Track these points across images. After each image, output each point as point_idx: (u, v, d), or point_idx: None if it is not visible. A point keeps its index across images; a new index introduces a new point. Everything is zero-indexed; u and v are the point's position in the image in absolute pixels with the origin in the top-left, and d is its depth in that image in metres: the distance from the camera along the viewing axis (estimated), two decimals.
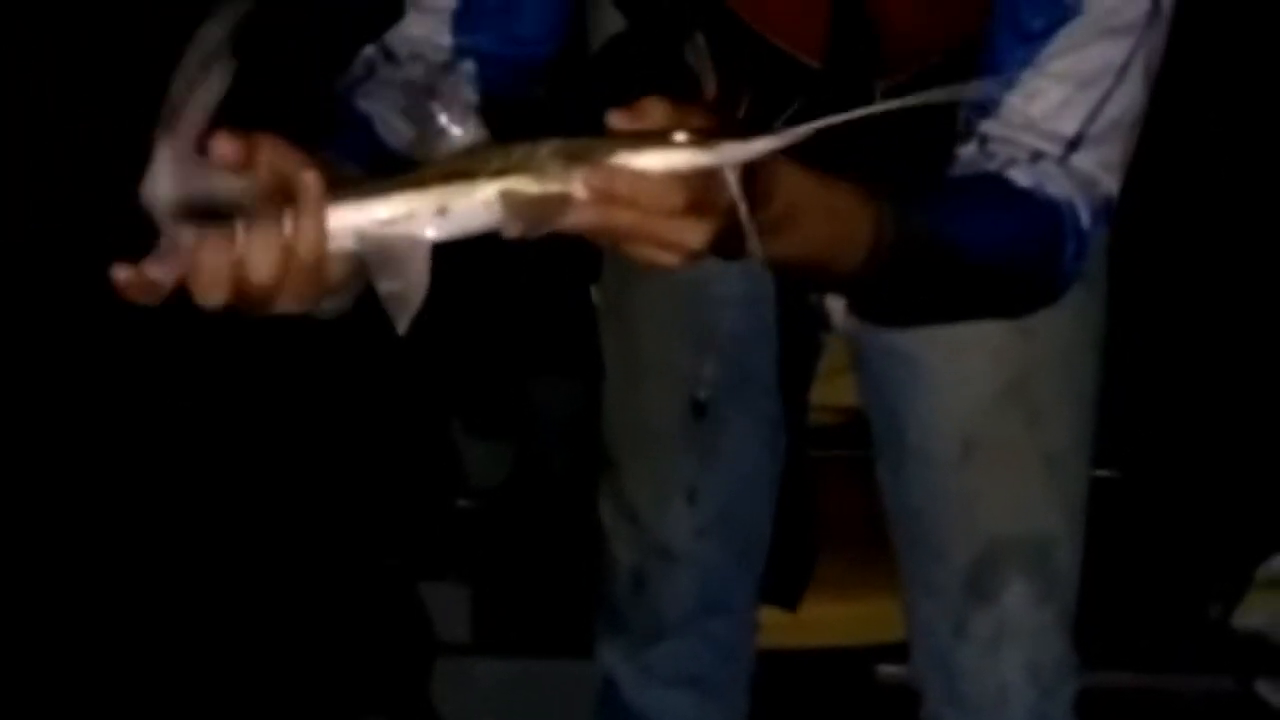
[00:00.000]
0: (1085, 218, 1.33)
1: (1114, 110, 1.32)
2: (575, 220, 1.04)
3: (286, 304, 1.08)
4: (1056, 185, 1.32)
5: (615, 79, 1.58)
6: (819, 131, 1.04)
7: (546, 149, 1.04)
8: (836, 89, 1.39)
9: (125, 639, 2.42)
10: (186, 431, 2.65)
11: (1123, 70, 1.32)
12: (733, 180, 1.05)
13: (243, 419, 2.70)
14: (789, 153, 1.07)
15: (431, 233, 1.06)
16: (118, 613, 2.44)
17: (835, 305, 1.46)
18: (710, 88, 1.09)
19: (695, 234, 1.05)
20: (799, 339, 1.69)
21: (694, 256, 1.07)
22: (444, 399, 2.82)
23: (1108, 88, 1.32)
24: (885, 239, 1.21)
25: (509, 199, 1.04)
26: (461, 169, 1.06)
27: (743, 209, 1.05)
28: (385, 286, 1.07)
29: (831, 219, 1.19)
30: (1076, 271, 1.36)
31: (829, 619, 2.12)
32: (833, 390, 1.75)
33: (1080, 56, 1.31)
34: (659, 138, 1.04)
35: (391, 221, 1.07)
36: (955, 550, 1.69)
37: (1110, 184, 1.35)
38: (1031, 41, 1.31)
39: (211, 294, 1.05)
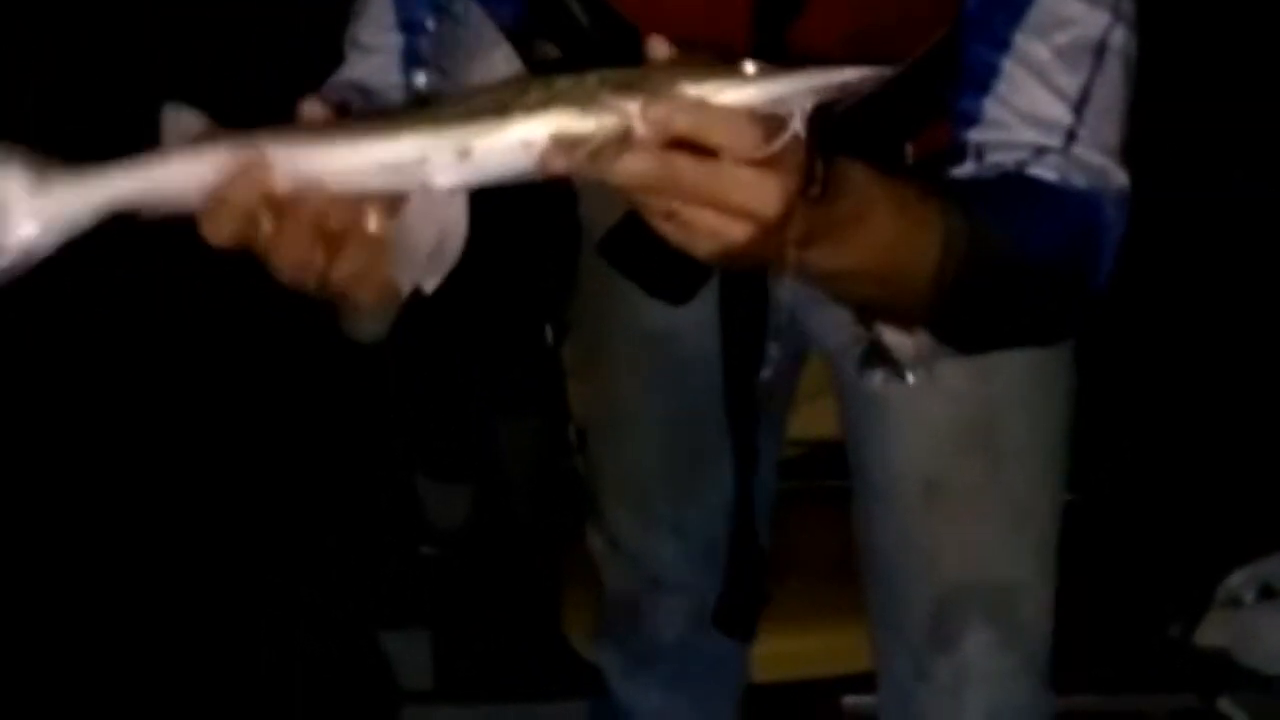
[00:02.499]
0: (1109, 210, 1.29)
1: (1103, 93, 1.28)
2: (630, 169, 0.92)
3: (344, 277, 0.98)
4: (1077, 178, 1.27)
5: None
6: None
7: (594, 78, 0.91)
8: None
9: (84, 671, 2.41)
10: (148, 470, 2.64)
11: (1100, 51, 1.28)
12: (799, 124, 0.92)
13: (207, 459, 2.70)
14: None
15: (446, 179, 0.92)
16: (71, 645, 2.43)
17: (900, 341, 1.32)
18: None
19: (770, 194, 0.94)
20: (750, 372, 1.64)
21: (764, 229, 0.95)
22: (403, 444, 2.80)
23: (1090, 70, 1.27)
24: (955, 239, 1.16)
25: (563, 141, 0.90)
26: (489, 104, 0.92)
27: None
28: (406, 254, 0.93)
29: (901, 215, 1.12)
30: (1110, 267, 1.29)
31: (796, 652, 2.12)
32: (803, 421, 1.74)
33: (1052, 37, 1.26)
34: (728, 67, 0.92)
35: (397, 166, 0.93)
36: (917, 594, 1.67)
37: (1120, 174, 1.29)
38: (1000, 41, 1.27)
39: (219, 235, 0.97)
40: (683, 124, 0.92)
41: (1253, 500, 2.66)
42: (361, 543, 2.72)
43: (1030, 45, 1.27)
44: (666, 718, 1.89)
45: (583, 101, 0.90)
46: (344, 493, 2.75)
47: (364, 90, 1.32)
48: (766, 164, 0.94)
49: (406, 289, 0.96)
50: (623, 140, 0.90)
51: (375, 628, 2.59)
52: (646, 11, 1.37)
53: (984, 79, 1.28)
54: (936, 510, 1.64)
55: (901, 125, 1.46)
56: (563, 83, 0.92)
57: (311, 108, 1.00)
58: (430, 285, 0.95)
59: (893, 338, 1.32)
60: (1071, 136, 1.27)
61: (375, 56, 1.34)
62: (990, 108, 1.28)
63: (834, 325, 1.57)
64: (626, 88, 0.90)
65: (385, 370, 2.77)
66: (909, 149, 1.49)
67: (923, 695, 1.70)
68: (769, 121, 0.93)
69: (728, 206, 0.95)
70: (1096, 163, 1.28)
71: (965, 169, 1.29)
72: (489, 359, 2.75)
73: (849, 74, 0.95)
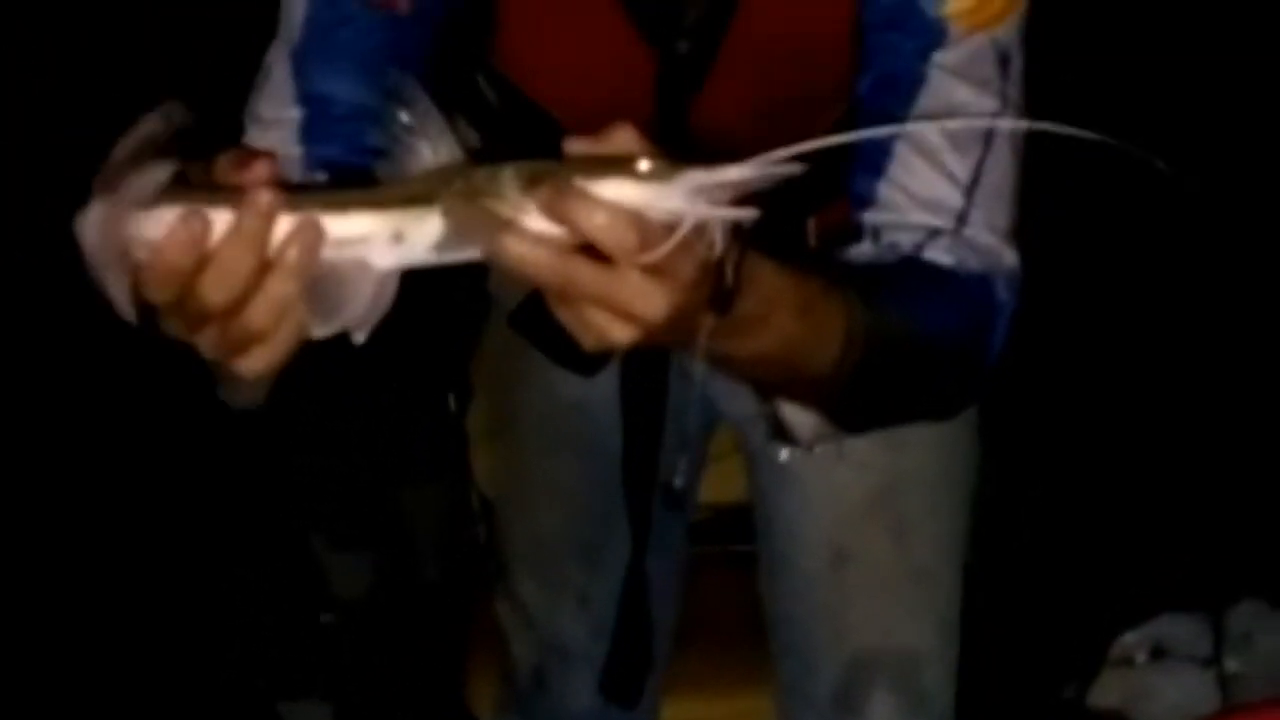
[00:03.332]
0: (1001, 292, 1.32)
1: (993, 177, 1.31)
2: (531, 260, 0.95)
3: (263, 317, 0.99)
4: (970, 260, 1.30)
5: None
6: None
7: (510, 170, 0.96)
8: None
9: None
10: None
11: (989, 135, 1.30)
12: (716, 236, 0.96)
13: (99, 532, 2.66)
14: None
15: (384, 261, 0.97)
16: None
17: (797, 418, 1.34)
18: None
19: (656, 303, 0.97)
20: (650, 445, 1.65)
21: (648, 331, 0.98)
22: (302, 510, 2.78)
23: (979, 155, 1.30)
24: (856, 333, 1.18)
25: (456, 217, 0.95)
26: (420, 191, 0.97)
27: (728, 266, 0.97)
28: (324, 315, 0.97)
29: (805, 314, 1.14)
30: (1001, 346, 1.33)
31: (701, 717, 2.12)
32: (709, 484, 1.75)
33: (942, 122, 1.29)
34: (622, 165, 0.95)
35: (345, 242, 0.97)
36: (823, 661, 1.69)
37: (1012, 256, 1.33)
38: (892, 123, 1.30)
39: (165, 286, 0.98)
40: (578, 217, 0.95)
41: (1144, 562, 2.70)
42: (260, 610, 2.68)
43: (926, 127, 1.30)
44: None
45: (493, 194, 0.95)
46: (242, 558, 2.72)
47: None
48: (658, 270, 0.96)
49: (318, 335, 1.00)
50: (511, 226, 0.95)
51: (274, 698, 2.57)
52: (552, 88, 1.41)
53: (877, 162, 1.31)
54: (842, 578, 1.66)
55: (803, 202, 1.49)
56: (481, 174, 0.96)
57: (259, 167, 1.00)
58: (359, 337, 0.99)
59: (792, 415, 1.34)
60: (962, 219, 1.31)
61: (273, 131, 1.35)
62: (884, 190, 1.31)
63: (741, 395, 1.57)
64: (535, 181, 0.95)
65: (282, 435, 2.75)
66: (811, 225, 1.52)
67: None
68: (657, 227, 0.96)
69: (614, 308, 0.98)
70: (986, 244, 1.31)
71: (863, 249, 1.32)
72: (391, 425, 2.75)
73: (743, 171, 0.97)
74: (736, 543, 1.81)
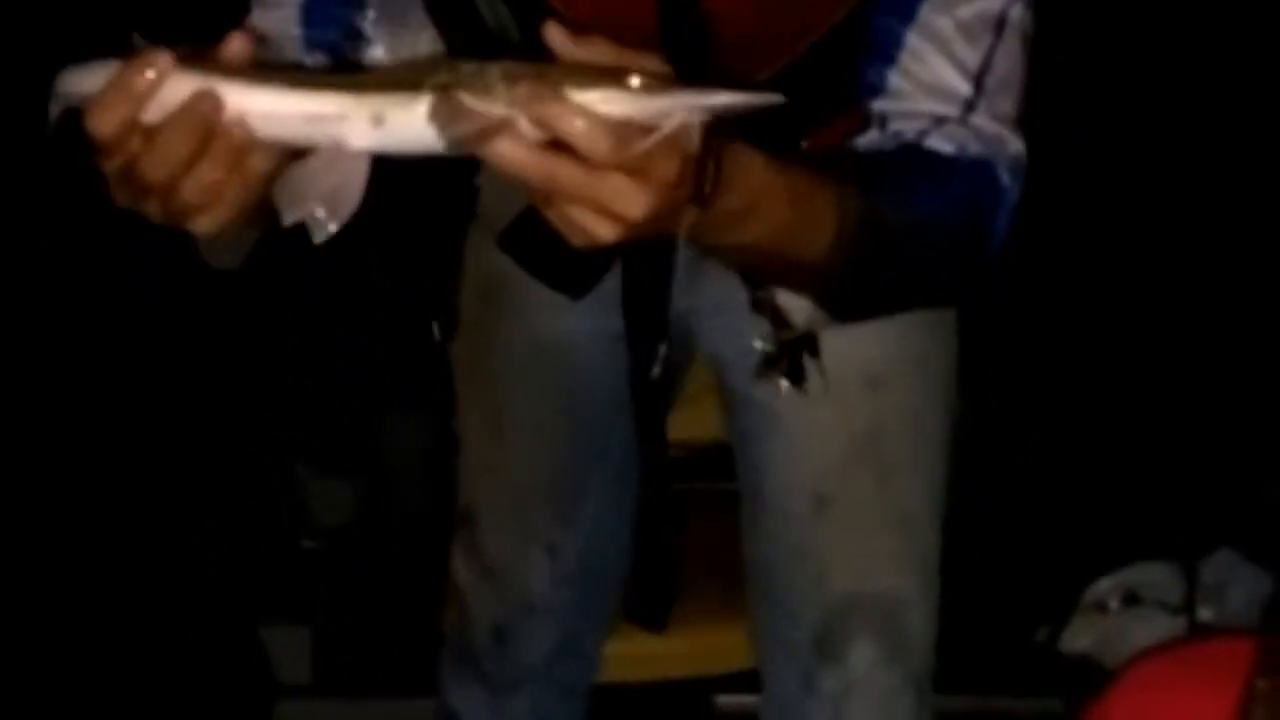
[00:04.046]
0: (1004, 176, 1.33)
1: (1001, 67, 1.32)
2: (514, 158, 0.99)
3: (197, 193, 1.02)
4: (973, 146, 1.31)
5: None
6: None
7: (498, 69, 0.98)
8: None
9: None
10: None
11: (1000, 25, 1.32)
12: (695, 136, 0.99)
13: (85, 451, 2.67)
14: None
15: (361, 141, 1.00)
16: None
17: (795, 304, 1.37)
18: None
19: (636, 202, 1.00)
20: (650, 370, 1.62)
21: (631, 229, 1.01)
22: (287, 436, 2.79)
23: (990, 43, 1.32)
24: (847, 221, 1.19)
25: (442, 107, 0.97)
26: (405, 78, 1.00)
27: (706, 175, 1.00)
28: (303, 192, 1.00)
29: (795, 204, 1.16)
30: (1004, 232, 1.34)
31: (672, 652, 2.13)
32: (682, 423, 1.74)
33: (955, 10, 1.31)
34: (614, 78, 0.98)
35: (319, 118, 1.00)
36: (805, 606, 1.68)
37: (1016, 142, 1.34)
38: (905, 14, 1.31)
39: (105, 122, 1.02)
40: (565, 127, 0.98)
41: (1120, 508, 2.72)
42: (241, 535, 2.70)
43: (934, 18, 1.31)
44: None
45: (478, 88, 0.98)
46: (224, 483, 2.73)
47: (265, 40, 1.32)
48: (637, 170, 0.99)
49: (287, 222, 1.03)
50: (502, 127, 0.97)
51: (254, 622, 2.58)
52: None
53: (889, 50, 1.32)
54: (825, 522, 1.65)
55: (796, 124, 1.49)
56: (467, 68, 0.99)
57: (235, 41, 1.04)
58: (319, 235, 1.02)
59: (786, 301, 1.37)
60: (970, 107, 1.32)
61: (275, 11, 1.37)
62: (893, 78, 1.32)
63: (730, 333, 1.59)
64: (519, 81, 0.97)
65: (270, 360, 2.75)
66: (805, 147, 1.51)
67: (809, 708, 1.70)
68: (636, 130, 0.98)
69: (596, 206, 1.00)
70: (992, 131, 1.33)
71: (869, 137, 1.33)
72: (376, 353, 2.75)
73: (730, 98, 1.00)
74: (709, 480, 1.81)
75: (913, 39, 1.31)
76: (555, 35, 1.03)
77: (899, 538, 1.67)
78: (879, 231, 1.23)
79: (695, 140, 1.01)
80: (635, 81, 0.98)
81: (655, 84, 0.98)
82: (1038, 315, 2.82)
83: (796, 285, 1.34)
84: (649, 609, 1.70)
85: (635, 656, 2.01)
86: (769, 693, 1.76)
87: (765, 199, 1.14)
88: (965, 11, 1.31)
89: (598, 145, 0.98)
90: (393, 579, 2.64)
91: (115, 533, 2.61)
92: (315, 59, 1.33)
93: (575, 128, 0.97)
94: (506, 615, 1.79)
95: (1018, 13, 1.33)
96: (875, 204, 1.23)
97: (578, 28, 1.33)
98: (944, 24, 1.31)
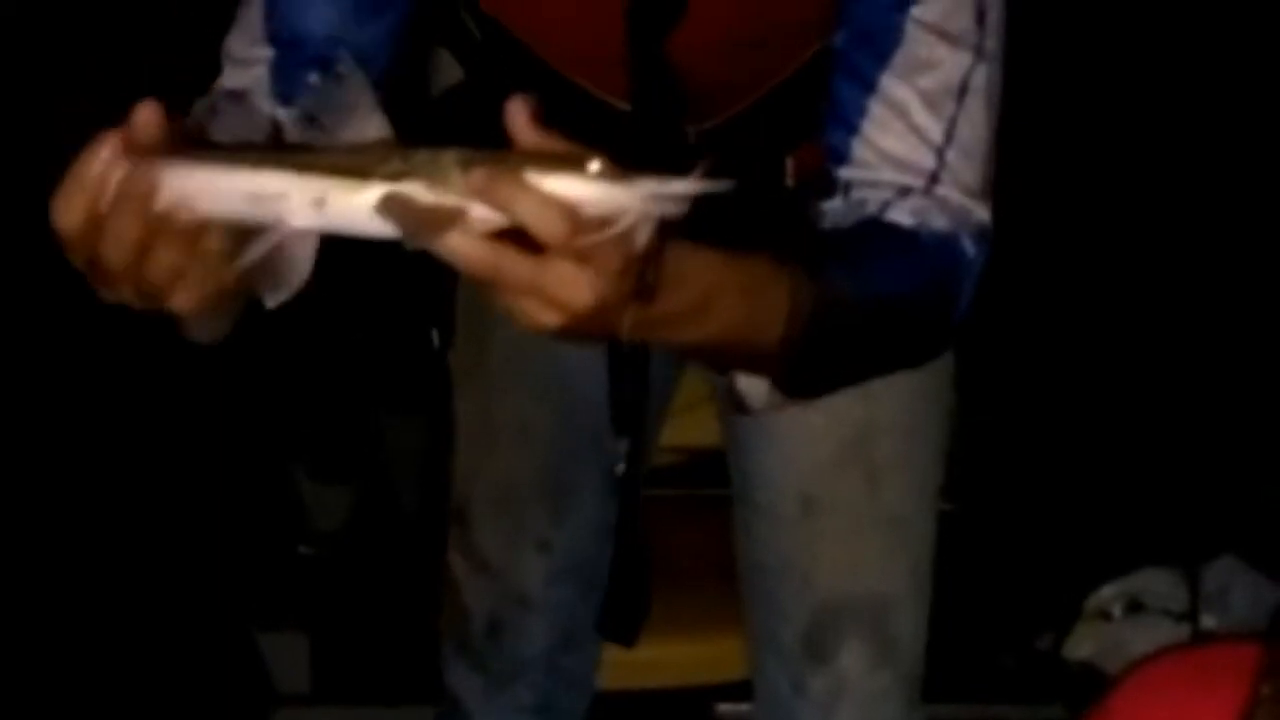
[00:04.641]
0: (969, 248, 1.32)
1: (965, 134, 1.32)
2: (461, 251, 0.98)
3: (160, 275, 1.02)
4: (937, 219, 1.31)
5: (453, 129, 1.57)
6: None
7: (452, 155, 0.97)
8: (647, 132, 1.38)
9: None
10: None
11: (961, 92, 1.31)
12: (646, 229, 0.98)
13: (83, 456, 2.67)
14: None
15: (302, 221, 0.98)
16: None
17: (751, 387, 1.35)
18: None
19: (580, 290, 1.00)
20: (635, 379, 1.63)
21: (575, 318, 1.01)
22: (285, 442, 2.79)
23: (952, 113, 1.31)
24: (802, 308, 1.19)
25: (394, 202, 0.96)
26: (354, 165, 0.98)
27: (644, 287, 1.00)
28: (249, 267, 0.99)
29: (747, 297, 1.16)
30: (969, 305, 1.34)
31: (672, 659, 2.13)
32: (681, 429, 1.74)
33: (916, 80, 1.30)
34: (573, 163, 0.97)
35: (260, 197, 0.99)
36: (795, 609, 1.68)
37: (981, 212, 1.33)
38: (866, 83, 1.31)
39: (68, 218, 1.02)
40: (519, 209, 0.97)
41: (1122, 516, 2.71)
42: (239, 541, 2.69)
43: (895, 88, 1.30)
44: None
45: (431, 177, 0.97)
46: (221, 489, 2.73)
47: (238, 98, 1.33)
48: (584, 259, 0.99)
49: (269, 303, 1.04)
50: (456, 216, 0.97)
51: (252, 628, 2.58)
52: (529, 25, 1.41)
53: (851, 119, 1.32)
54: (814, 525, 1.65)
55: (780, 141, 1.49)
56: (420, 156, 0.98)
57: (143, 111, 1.03)
58: (270, 303, 1.04)
59: (745, 385, 1.35)
60: (934, 179, 1.31)
61: (247, 69, 1.35)
62: (857, 148, 1.32)
63: None
64: (475, 166, 0.96)
65: (270, 367, 2.75)
66: (789, 164, 1.52)
67: (800, 711, 1.71)
68: (591, 219, 0.97)
69: (541, 295, 1.00)
70: (957, 203, 1.32)
71: (834, 205, 1.33)
72: (375, 358, 2.75)
73: (690, 186, 0.98)
74: (705, 486, 1.81)
75: (875, 108, 1.31)
76: (517, 116, 1.01)
77: (889, 539, 1.67)
78: (837, 314, 1.23)
79: (644, 234, 1.00)
80: (595, 167, 0.97)
81: (614, 171, 0.97)
82: (1041, 322, 2.82)
83: (754, 371, 1.32)
84: (621, 625, 1.70)
85: (634, 664, 2.00)
86: (760, 695, 1.77)
87: (718, 296, 1.14)
88: (926, 81, 1.31)
89: (554, 228, 0.97)
90: (391, 585, 2.64)
91: (113, 538, 2.61)
92: (290, 115, 1.30)
93: (532, 211, 0.97)
94: (501, 610, 1.80)
95: (980, 78, 1.32)
96: (833, 286, 1.23)
97: (547, 71, 1.37)
98: (905, 94, 1.30)
